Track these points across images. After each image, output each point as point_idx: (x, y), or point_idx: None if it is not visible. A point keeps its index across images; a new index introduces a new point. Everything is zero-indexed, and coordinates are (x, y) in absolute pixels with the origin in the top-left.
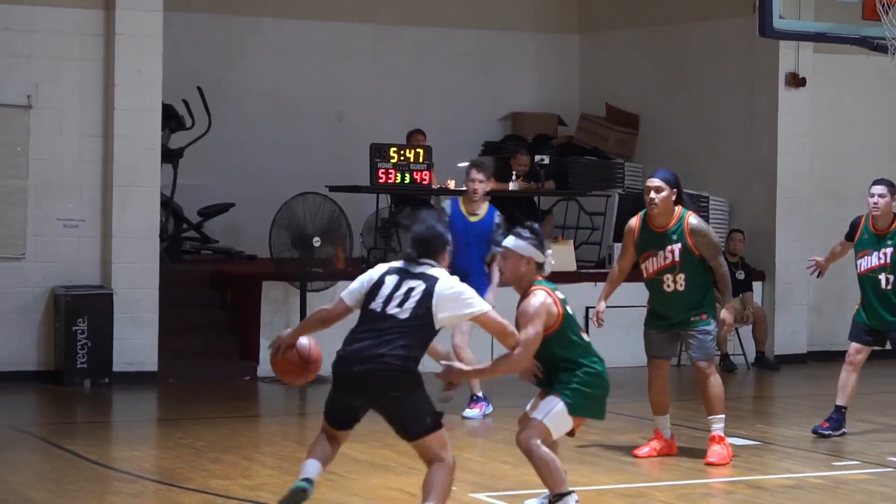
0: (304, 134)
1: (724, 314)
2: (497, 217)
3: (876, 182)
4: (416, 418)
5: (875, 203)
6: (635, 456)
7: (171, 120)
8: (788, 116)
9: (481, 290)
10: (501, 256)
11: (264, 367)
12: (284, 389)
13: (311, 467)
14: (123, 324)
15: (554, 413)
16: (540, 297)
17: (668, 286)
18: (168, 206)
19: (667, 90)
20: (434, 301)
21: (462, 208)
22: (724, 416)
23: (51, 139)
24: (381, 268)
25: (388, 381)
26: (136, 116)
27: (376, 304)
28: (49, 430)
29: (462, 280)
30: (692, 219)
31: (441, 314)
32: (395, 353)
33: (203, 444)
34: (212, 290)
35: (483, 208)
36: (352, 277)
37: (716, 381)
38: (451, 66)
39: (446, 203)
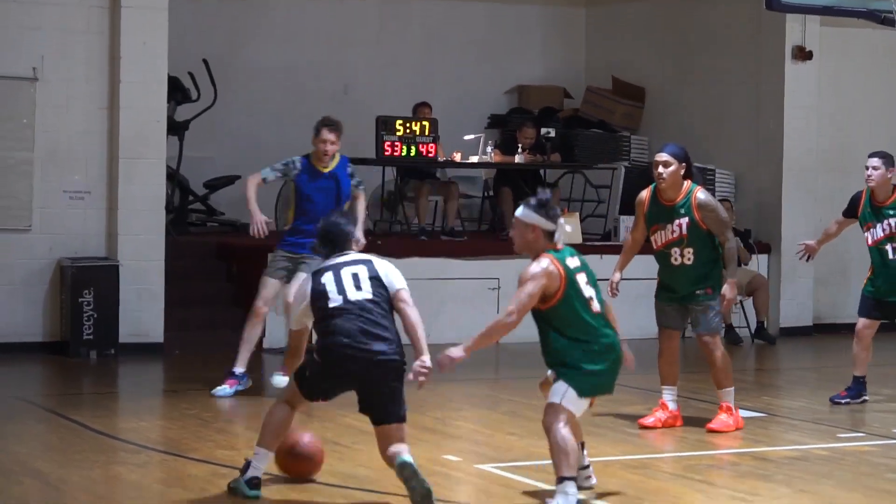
0: (310, 106)
1: (726, 289)
2: (349, 167)
3: (871, 154)
4: (398, 405)
5: (869, 175)
6: (641, 426)
7: (177, 92)
8: (795, 90)
9: None
10: (512, 226)
11: (270, 338)
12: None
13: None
14: (129, 295)
15: (567, 397)
16: (542, 263)
17: (676, 259)
18: (174, 178)
19: (673, 63)
20: (383, 275)
21: (313, 165)
22: (732, 388)
23: (57, 111)
24: (306, 282)
25: (389, 373)
26: (141, 88)
27: (336, 299)
28: (55, 401)
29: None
30: (700, 193)
31: (392, 285)
32: (392, 345)
33: (209, 415)
34: (217, 262)
35: (335, 161)
36: (357, 249)
37: (721, 355)
38: (458, 39)
39: (296, 158)
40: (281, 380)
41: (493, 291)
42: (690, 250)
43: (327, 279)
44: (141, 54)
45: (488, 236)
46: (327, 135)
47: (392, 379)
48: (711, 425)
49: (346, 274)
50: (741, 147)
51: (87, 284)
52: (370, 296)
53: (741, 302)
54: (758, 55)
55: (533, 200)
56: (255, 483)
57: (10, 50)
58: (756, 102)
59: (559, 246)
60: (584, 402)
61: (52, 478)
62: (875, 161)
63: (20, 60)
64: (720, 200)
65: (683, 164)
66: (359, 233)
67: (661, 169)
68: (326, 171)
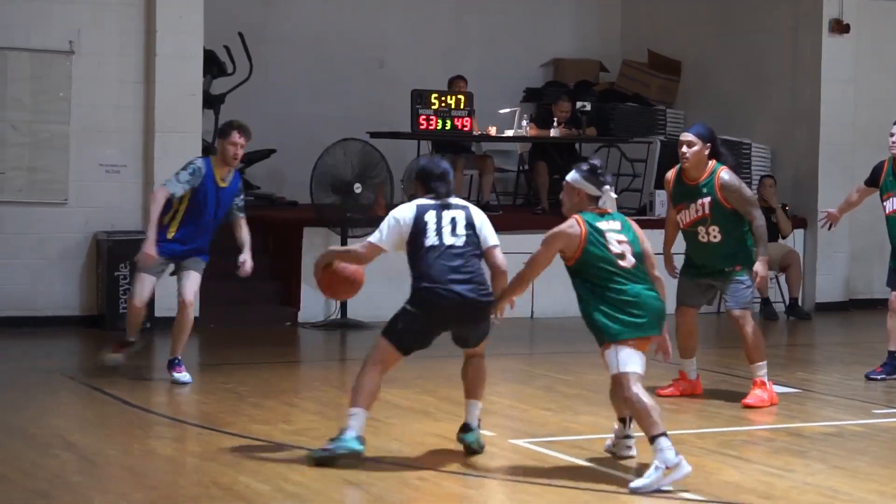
0: (345, 80)
1: (758, 266)
2: (240, 182)
3: None
4: (486, 332)
5: (894, 143)
6: (658, 395)
7: (213, 66)
8: (832, 63)
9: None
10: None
11: (305, 313)
12: (325, 335)
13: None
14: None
15: (617, 360)
16: (565, 223)
17: (703, 237)
18: (209, 151)
19: (709, 36)
20: (478, 225)
21: (214, 171)
22: (764, 362)
23: (92, 85)
24: (408, 209)
25: (487, 311)
26: (177, 62)
27: (433, 239)
28: (91, 375)
29: (202, 247)
30: (724, 173)
31: (486, 240)
32: (486, 284)
33: (244, 390)
34: (253, 236)
35: (231, 174)
36: None
37: (752, 330)
38: (493, 11)
39: (200, 162)
40: (113, 358)
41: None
42: (716, 228)
43: (430, 217)
44: (177, 28)
45: (523, 210)
46: (238, 138)
47: (481, 319)
48: (747, 401)
49: (446, 216)
50: (778, 121)
51: (123, 258)
52: (463, 241)
53: (776, 277)
54: (795, 28)
55: (585, 166)
56: (363, 439)
57: (45, 24)
58: (793, 76)
59: (609, 210)
60: (633, 355)
61: (87, 451)
62: None
63: (56, 34)
64: (764, 177)
65: (708, 143)
66: (246, 255)
67: (684, 149)
68: (224, 184)
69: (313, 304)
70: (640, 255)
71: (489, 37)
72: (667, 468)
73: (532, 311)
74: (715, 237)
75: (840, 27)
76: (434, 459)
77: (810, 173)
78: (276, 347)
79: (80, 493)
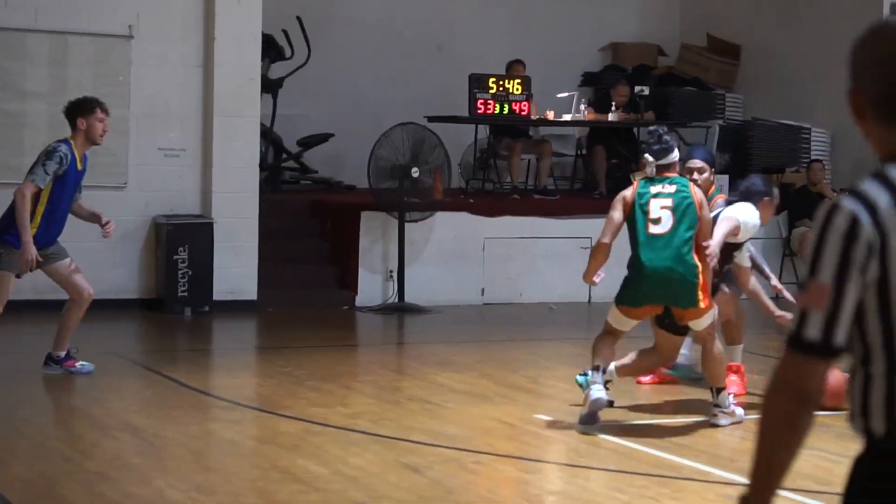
0: (406, 63)
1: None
2: (87, 161)
3: None
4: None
5: None
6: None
7: (271, 50)
8: None
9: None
10: None
11: (362, 297)
12: (382, 319)
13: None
14: (223, 253)
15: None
16: (624, 191)
17: None
18: (268, 135)
19: (770, 19)
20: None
21: (76, 153)
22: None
23: (151, 69)
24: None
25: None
26: (236, 46)
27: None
28: (151, 358)
29: (60, 231)
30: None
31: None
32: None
33: (302, 373)
34: (311, 220)
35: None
36: (450, 208)
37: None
38: None
39: (64, 148)
40: (84, 365)
41: (585, 250)
42: None
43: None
44: (235, 12)
45: (581, 195)
46: (103, 114)
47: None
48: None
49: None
50: (839, 106)
51: (182, 242)
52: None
53: None
54: (856, 11)
55: (651, 137)
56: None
57: (106, 8)
58: None
59: (666, 175)
60: (615, 314)
61: (147, 433)
62: None
63: (116, 18)
64: (813, 161)
65: (713, 168)
66: (105, 216)
67: (696, 175)
68: (81, 166)
69: (371, 287)
70: (682, 224)
71: (548, 20)
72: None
73: (590, 296)
74: None
75: None
76: (491, 443)
77: (871, 159)
78: (333, 331)
79: (140, 473)
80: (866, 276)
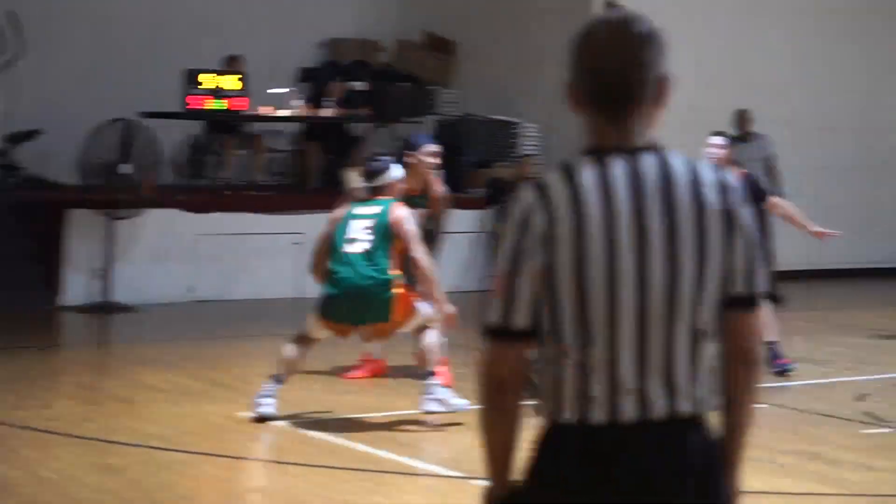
0: (118, 58)
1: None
2: None
3: None
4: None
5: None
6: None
7: None
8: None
9: None
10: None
11: (67, 296)
12: (88, 319)
13: None
14: None
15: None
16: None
17: None
18: None
19: (483, 16)
20: None
21: None
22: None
23: None
24: None
25: None
26: None
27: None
28: None
29: None
30: None
31: None
32: None
33: (1, 375)
34: (15, 218)
35: None
36: (160, 205)
37: None
38: None
39: None
40: None
41: (297, 246)
42: None
43: None
44: None
45: (294, 190)
46: None
47: None
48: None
49: None
50: (550, 101)
51: None
52: None
53: None
54: (567, 10)
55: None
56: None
57: None
58: (564, 59)
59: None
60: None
61: None
62: None
63: None
64: (524, 156)
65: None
66: None
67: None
68: None
69: (77, 287)
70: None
71: (267, 16)
72: None
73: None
74: None
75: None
76: (194, 442)
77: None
78: (36, 332)
79: None
80: (538, 263)
